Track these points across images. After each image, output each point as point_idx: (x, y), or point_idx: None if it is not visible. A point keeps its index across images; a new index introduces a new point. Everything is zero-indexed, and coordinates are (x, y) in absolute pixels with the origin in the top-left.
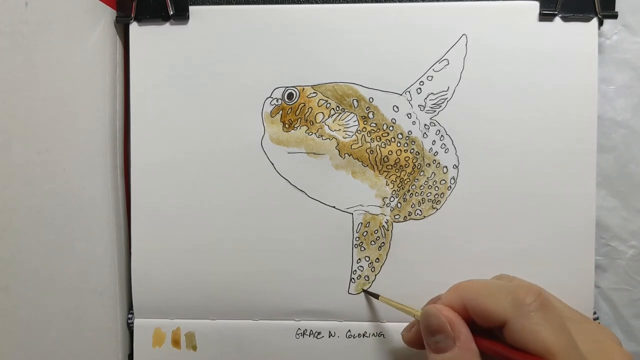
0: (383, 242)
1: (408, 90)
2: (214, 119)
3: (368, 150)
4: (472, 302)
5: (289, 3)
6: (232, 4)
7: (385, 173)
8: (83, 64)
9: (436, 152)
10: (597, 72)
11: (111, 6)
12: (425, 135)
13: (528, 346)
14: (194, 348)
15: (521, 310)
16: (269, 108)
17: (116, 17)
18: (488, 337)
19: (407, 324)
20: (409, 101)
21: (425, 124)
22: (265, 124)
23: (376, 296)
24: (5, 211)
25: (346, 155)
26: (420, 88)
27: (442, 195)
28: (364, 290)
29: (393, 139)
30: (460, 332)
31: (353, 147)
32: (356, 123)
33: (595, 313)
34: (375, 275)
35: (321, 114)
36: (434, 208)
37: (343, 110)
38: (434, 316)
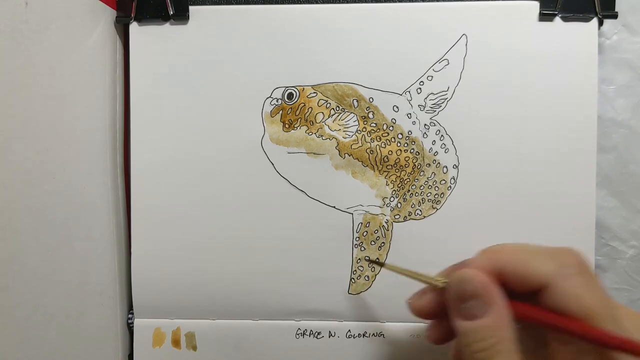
0: (383, 242)
1: (408, 90)
2: (214, 118)
3: (368, 150)
4: (510, 266)
5: (289, 3)
6: (232, 4)
7: (385, 173)
8: (83, 64)
9: (436, 152)
10: (597, 72)
11: (111, 6)
12: (425, 135)
13: (570, 309)
14: (194, 348)
15: (564, 273)
16: (269, 108)
17: (116, 17)
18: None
19: (407, 323)
20: (409, 101)
21: (425, 124)
22: (265, 124)
23: (382, 264)
24: (5, 211)
25: (346, 155)
26: (420, 88)
27: (442, 195)
28: (367, 260)
29: (393, 139)
30: (496, 297)
31: (353, 147)
32: (356, 123)
33: None
34: (375, 275)
35: (321, 114)
36: (434, 208)
37: (343, 110)
38: (469, 281)
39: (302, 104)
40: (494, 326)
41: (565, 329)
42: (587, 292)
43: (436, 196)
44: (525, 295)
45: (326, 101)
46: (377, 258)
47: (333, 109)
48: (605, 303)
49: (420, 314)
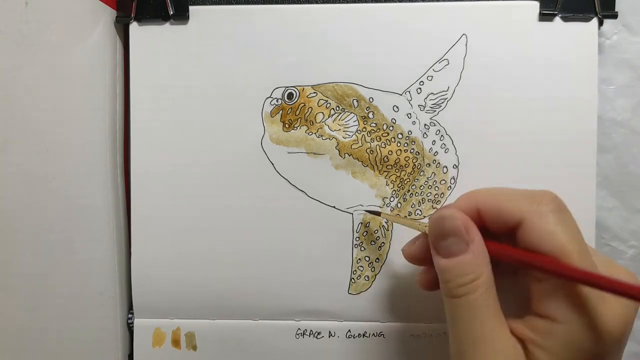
0: (383, 242)
1: (408, 90)
2: (214, 119)
3: (368, 150)
4: (487, 204)
5: (289, 3)
6: (232, 4)
7: (385, 173)
8: (83, 64)
9: (436, 152)
10: (597, 72)
11: (111, 6)
12: (425, 135)
13: (543, 247)
14: (194, 348)
15: (538, 210)
16: (269, 108)
17: (116, 17)
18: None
19: (407, 323)
20: (409, 101)
21: (425, 124)
22: (265, 124)
23: (377, 213)
24: (5, 211)
25: (346, 155)
26: (420, 88)
27: (442, 195)
28: (366, 211)
29: (393, 139)
30: (474, 235)
31: (353, 147)
32: (356, 123)
33: None
34: (375, 275)
35: (321, 114)
36: (434, 208)
37: (343, 110)
38: (449, 219)
39: (302, 104)
40: (473, 263)
41: (537, 266)
42: (560, 230)
43: (436, 196)
44: (504, 237)
45: (326, 101)
46: (377, 258)
47: (333, 109)
48: (577, 240)
49: (412, 259)
